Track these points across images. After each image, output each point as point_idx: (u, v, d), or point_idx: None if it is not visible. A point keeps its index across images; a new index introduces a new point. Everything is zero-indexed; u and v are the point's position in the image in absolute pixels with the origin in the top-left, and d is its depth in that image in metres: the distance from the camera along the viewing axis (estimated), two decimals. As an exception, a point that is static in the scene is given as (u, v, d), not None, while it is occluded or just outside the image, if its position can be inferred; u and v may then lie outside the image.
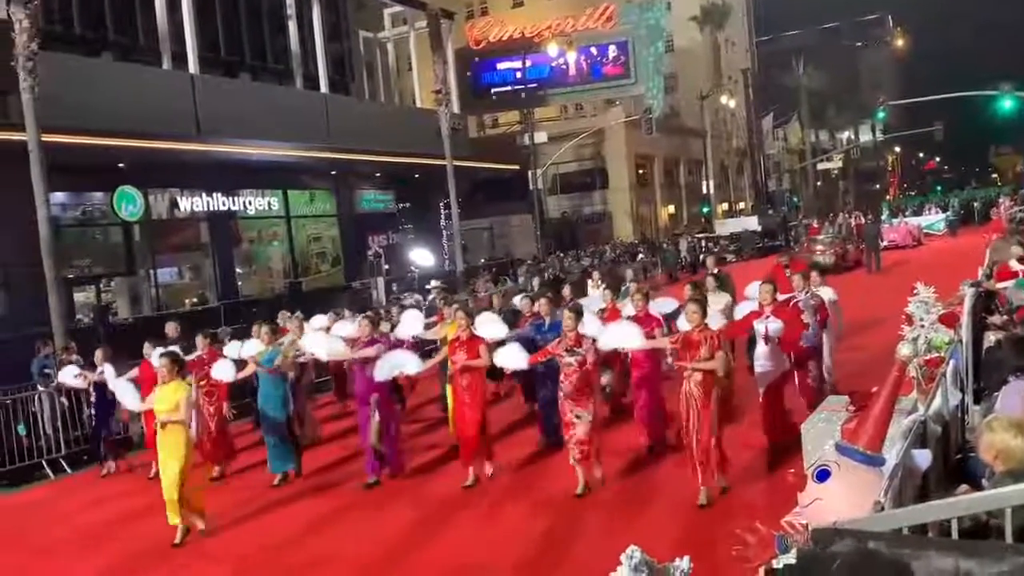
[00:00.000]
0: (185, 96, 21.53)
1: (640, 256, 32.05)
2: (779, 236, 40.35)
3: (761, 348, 8.12)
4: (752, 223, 43.94)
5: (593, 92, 45.39)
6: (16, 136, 13.96)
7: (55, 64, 15.14)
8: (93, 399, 10.30)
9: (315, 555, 6.86)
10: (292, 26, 26.74)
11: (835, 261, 26.07)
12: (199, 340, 9.92)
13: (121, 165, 19.05)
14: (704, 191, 53.19)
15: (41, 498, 9.88)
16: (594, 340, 7.62)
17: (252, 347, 9.55)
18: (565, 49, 39.68)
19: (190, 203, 22.59)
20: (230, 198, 23.71)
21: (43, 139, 13.23)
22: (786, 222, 45.06)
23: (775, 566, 3.30)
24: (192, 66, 22.56)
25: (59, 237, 15.04)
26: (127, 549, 7.53)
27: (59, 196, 17.77)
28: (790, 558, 2.76)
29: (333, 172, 26.46)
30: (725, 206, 57.19)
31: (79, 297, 19.48)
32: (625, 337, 7.73)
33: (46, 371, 11.42)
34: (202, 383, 9.49)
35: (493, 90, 43.97)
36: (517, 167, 34.26)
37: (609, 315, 9.81)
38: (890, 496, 3.08)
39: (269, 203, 25.48)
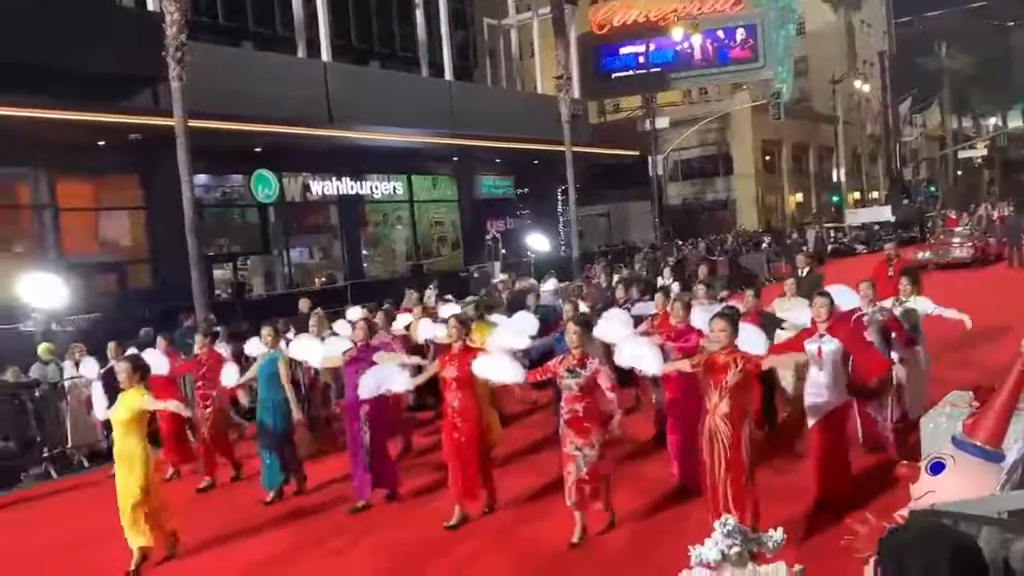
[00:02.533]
0: (318, 83, 22.45)
1: (764, 245, 31.22)
2: (914, 227, 38.46)
3: (814, 374, 6.71)
4: (886, 213, 42.02)
5: (719, 76, 44.30)
6: (164, 122, 14.95)
7: (201, 53, 16.05)
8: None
9: None
10: (419, 14, 27.38)
11: (973, 255, 24.74)
12: (198, 339, 9.29)
13: (258, 149, 20.06)
14: (835, 179, 51.15)
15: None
16: (600, 361, 6.43)
17: (255, 347, 9.02)
18: (690, 33, 38.89)
19: (321, 187, 23.57)
20: (358, 182, 24.61)
21: (189, 125, 14.12)
22: (922, 213, 42.82)
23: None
24: (325, 54, 23.49)
25: (201, 217, 16.01)
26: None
27: (202, 178, 18.92)
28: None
29: (455, 158, 26.99)
30: (857, 195, 54.86)
31: (218, 274, 20.68)
32: (639, 357, 6.48)
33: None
34: (199, 384, 9.07)
35: (614, 75, 43.59)
36: (637, 153, 33.91)
37: (660, 323, 8.62)
38: (1007, 491, 3.02)
39: (394, 188, 26.26)
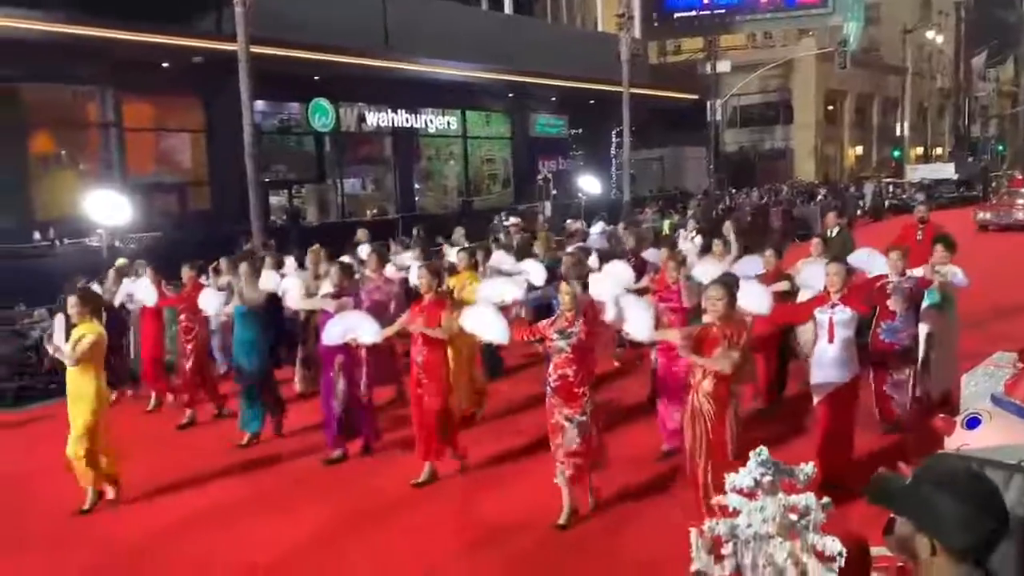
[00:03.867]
0: (376, 12, 22.35)
1: (819, 198, 30.68)
2: (977, 186, 37.39)
3: (823, 347, 6.15)
4: (948, 170, 40.89)
5: (785, 21, 42.94)
6: (226, 46, 15.12)
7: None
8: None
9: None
10: (481, -55, 27.00)
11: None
12: (184, 271, 8.97)
13: (316, 78, 20.18)
14: (898, 133, 49.73)
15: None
16: (593, 320, 5.91)
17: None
18: (758, -26, 37.72)
19: (376, 118, 23.68)
20: (413, 115, 24.67)
21: (250, 50, 14.26)
22: (987, 172, 41.53)
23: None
24: (385, -17, 23.33)
25: (259, 143, 16.27)
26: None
27: (260, 104, 19.12)
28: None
29: (510, 94, 26.82)
30: (920, 150, 53.34)
31: (273, 200, 21.04)
32: (630, 318, 6.06)
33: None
34: (182, 317, 8.79)
35: (677, 15, 42.57)
36: (696, 97, 33.34)
37: (660, 278, 8.08)
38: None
39: (448, 122, 26.27)
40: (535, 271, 9.21)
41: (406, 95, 23.53)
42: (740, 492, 2.65)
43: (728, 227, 12.14)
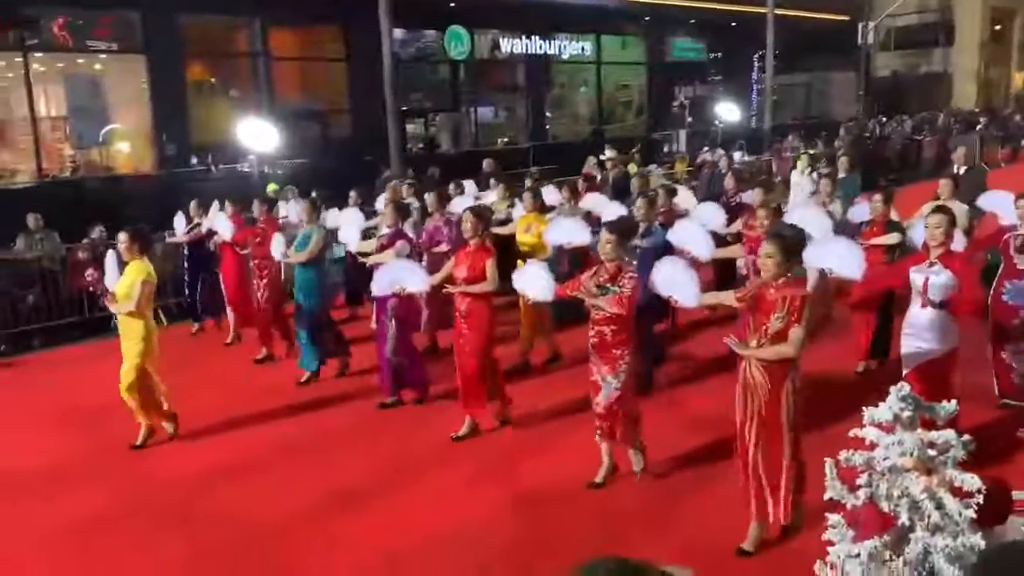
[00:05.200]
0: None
1: (979, 127, 28.50)
2: None
3: (916, 312, 5.35)
4: None
5: (951, -68, 39.51)
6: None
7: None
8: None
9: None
10: None
11: None
12: (255, 205, 8.87)
13: (452, 4, 20.24)
14: (1076, 54, 45.20)
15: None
16: (638, 277, 5.29)
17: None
18: None
19: (510, 45, 23.55)
20: (546, 41, 24.37)
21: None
22: None
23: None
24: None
25: (398, 72, 16.58)
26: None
27: (398, 33, 19.39)
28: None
29: (647, 18, 26.05)
30: (1102, 73, 48.39)
31: (410, 128, 21.44)
32: (674, 283, 5.28)
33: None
34: (255, 258, 8.64)
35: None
36: (847, 18, 31.36)
37: (750, 225, 7.27)
38: None
39: (582, 48, 25.80)
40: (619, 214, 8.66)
41: (540, 20, 23.27)
42: (879, 426, 2.66)
43: (843, 162, 10.98)
